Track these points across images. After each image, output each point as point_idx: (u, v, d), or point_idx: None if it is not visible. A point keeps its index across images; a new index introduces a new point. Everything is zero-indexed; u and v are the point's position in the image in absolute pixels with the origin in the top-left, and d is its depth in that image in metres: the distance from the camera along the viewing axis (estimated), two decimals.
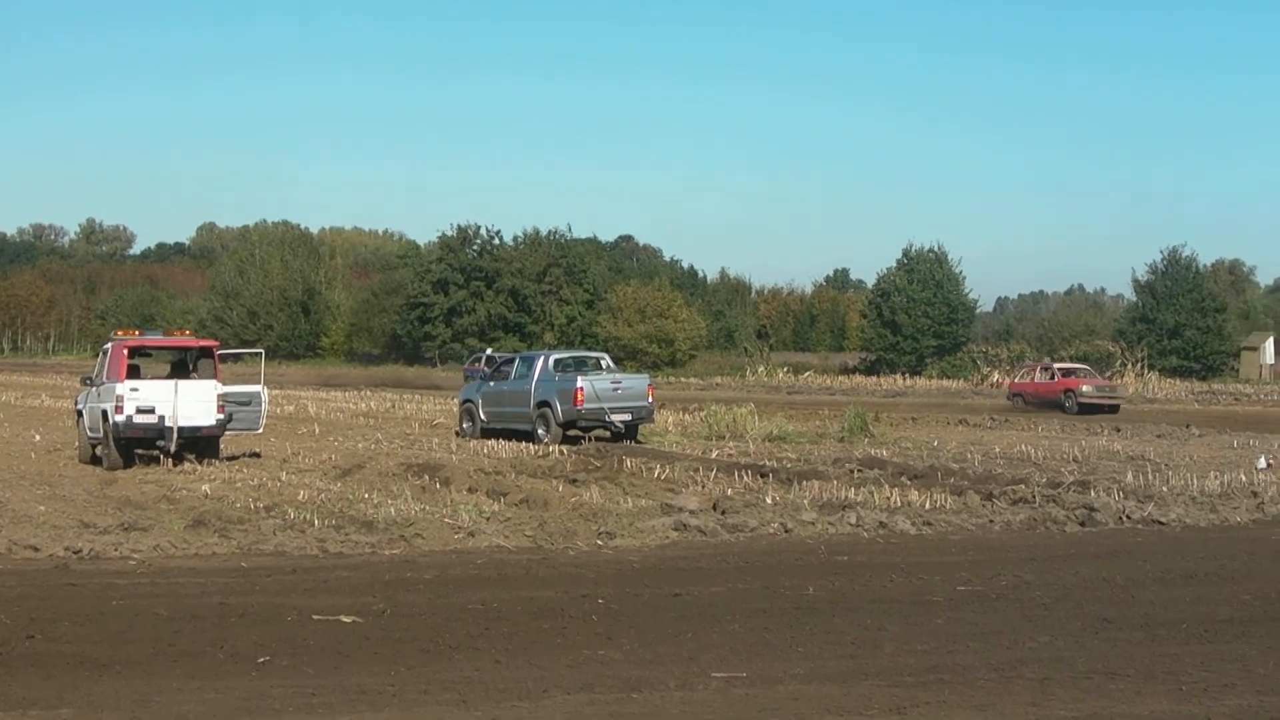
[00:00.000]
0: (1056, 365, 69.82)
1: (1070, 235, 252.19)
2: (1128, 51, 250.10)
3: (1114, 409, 60.68)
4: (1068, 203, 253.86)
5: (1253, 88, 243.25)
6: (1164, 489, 26.60)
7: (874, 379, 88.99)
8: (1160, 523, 23.55)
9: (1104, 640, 14.32)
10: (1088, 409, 59.26)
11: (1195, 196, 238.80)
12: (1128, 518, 23.78)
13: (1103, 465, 32.17)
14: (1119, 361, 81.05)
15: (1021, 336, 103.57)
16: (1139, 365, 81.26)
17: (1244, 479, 28.14)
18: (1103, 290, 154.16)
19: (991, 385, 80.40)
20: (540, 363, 40.59)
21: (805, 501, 24.72)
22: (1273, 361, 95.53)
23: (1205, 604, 16.54)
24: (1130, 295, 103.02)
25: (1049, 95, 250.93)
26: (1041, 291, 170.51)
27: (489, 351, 77.38)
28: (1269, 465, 31.35)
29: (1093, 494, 25.70)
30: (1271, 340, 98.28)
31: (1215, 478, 28.08)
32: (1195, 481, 27.44)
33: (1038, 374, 67.98)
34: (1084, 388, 63.05)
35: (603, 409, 38.35)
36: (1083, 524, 23.31)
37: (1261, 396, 75.23)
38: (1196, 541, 21.94)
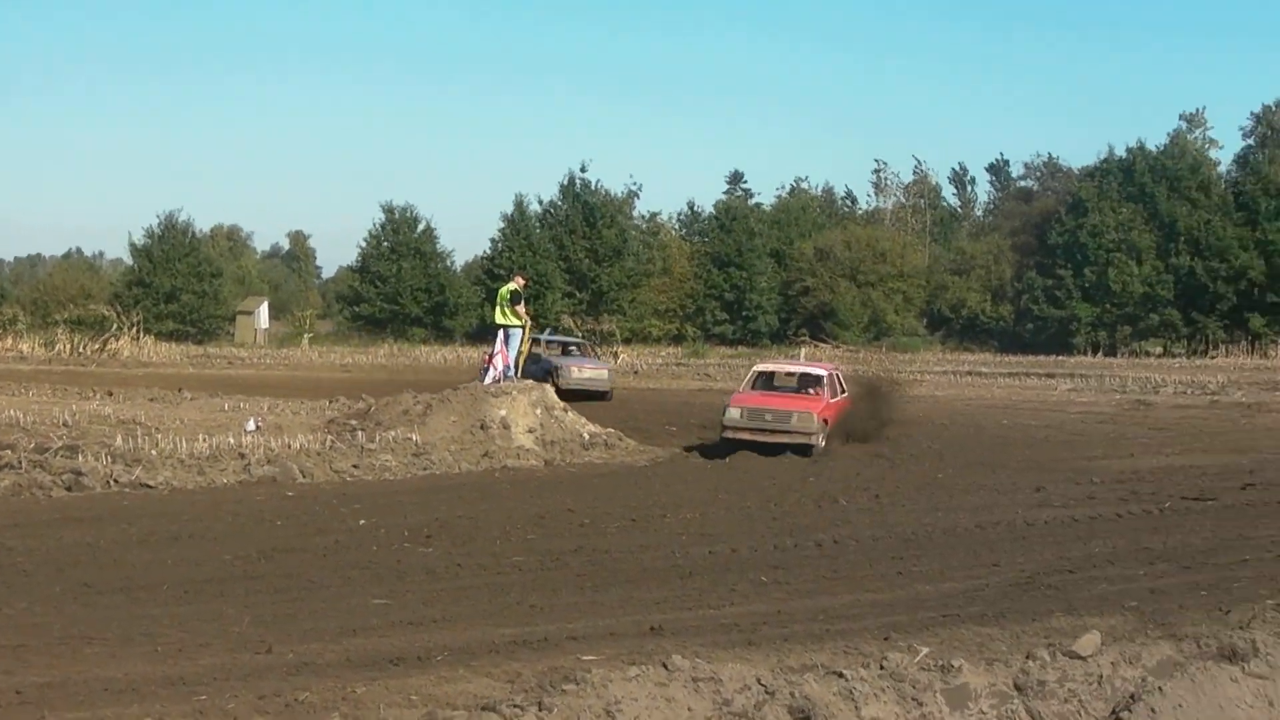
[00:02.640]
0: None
1: (68, 198, 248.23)
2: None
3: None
4: (61, 165, 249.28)
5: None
6: (154, 452, 26.54)
7: None
8: (149, 486, 23.56)
9: (83, 604, 14.16)
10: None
11: (196, 162, 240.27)
12: (116, 481, 23.64)
13: (93, 429, 31.73)
14: (115, 325, 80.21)
15: (16, 300, 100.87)
16: (135, 329, 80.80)
17: (233, 441, 28.49)
18: (101, 254, 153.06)
19: None
20: None
21: None
22: (267, 326, 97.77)
23: (188, 565, 16.65)
24: (129, 259, 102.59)
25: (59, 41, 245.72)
26: (39, 254, 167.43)
27: (548, 333, 58.73)
28: (257, 428, 31.90)
29: (81, 458, 25.30)
30: (266, 305, 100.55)
31: (205, 441, 28.29)
32: (185, 445, 27.54)
33: None
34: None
35: None
36: (69, 489, 22.97)
37: (255, 360, 76.61)
38: (183, 504, 22.07)
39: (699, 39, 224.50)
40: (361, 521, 20.12)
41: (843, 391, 33.53)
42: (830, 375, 33.87)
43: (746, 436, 30.90)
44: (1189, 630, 11.51)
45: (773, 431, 30.72)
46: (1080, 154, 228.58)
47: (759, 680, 9.69)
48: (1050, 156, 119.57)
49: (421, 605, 14.24)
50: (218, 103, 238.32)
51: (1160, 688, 9.52)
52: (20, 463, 24.62)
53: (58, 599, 14.41)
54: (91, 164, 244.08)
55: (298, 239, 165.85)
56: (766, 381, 34.48)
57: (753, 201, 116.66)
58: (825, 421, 31.13)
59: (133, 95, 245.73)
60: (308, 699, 10.13)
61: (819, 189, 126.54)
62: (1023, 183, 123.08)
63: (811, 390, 32.80)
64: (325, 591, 15.10)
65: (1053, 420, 40.31)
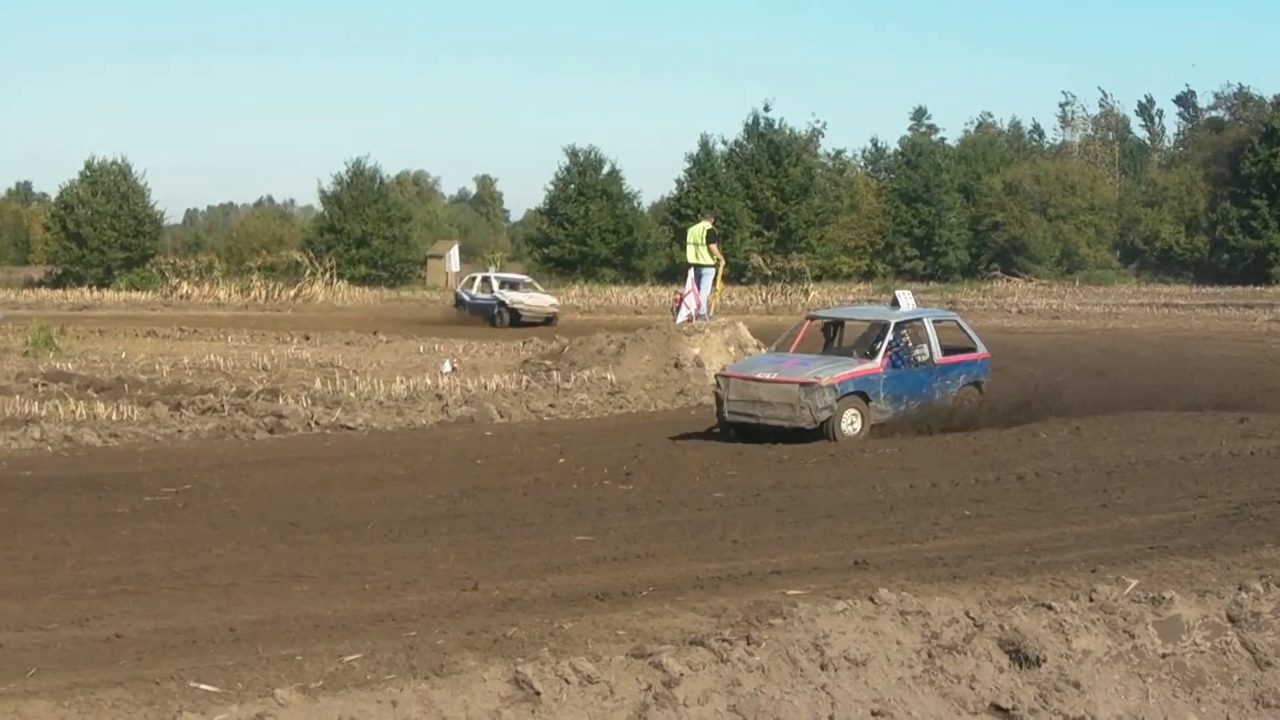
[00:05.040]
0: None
1: (259, 147, 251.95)
2: None
3: None
4: (251, 115, 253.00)
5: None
6: (352, 394, 26.93)
7: (60, 292, 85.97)
8: (349, 427, 23.87)
9: (290, 544, 14.37)
10: None
11: (382, 110, 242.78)
12: (316, 424, 23.98)
13: (292, 373, 32.29)
14: (308, 271, 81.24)
15: (211, 248, 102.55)
16: (328, 275, 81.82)
17: (430, 383, 28.84)
18: (292, 201, 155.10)
19: (181, 296, 78.93)
20: None
21: None
22: (457, 269, 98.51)
23: (390, 505, 16.87)
24: (319, 206, 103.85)
25: (221, 7, 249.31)
26: (231, 203, 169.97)
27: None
28: (453, 369, 32.25)
29: (281, 401, 25.74)
30: (456, 248, 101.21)
31: (402, 382, 28.65)
32: (383, 386, 27.92)
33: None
34: None
35: None
36: (271, 431, 23.36)
37: (446, 303, 77.23)
38: (383, 444, 22.37)
39: None
40: (560, 460, 20.23)
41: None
42: None
43: None
44: None
45: None
46: (1272, 83, 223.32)
47: (967, 613, 9.59)
48: (1241, 86, 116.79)
49: (624, 542, 14.26)
50: (400, 50, 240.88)
51: None
52: (223, 406, 25.13)
53: (265, 539, 14.65)
54: (281, 112, 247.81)
55: (485, 183, 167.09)
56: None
57: (937, 137, 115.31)
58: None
59: (320, 44, 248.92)
60: (515, 634, 10.16)
61: (1005, 124, 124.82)
62: (1213, 113, 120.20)
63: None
64: (528, 529, 15.19)
65: (1251, 352, 39.44)
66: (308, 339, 44.96)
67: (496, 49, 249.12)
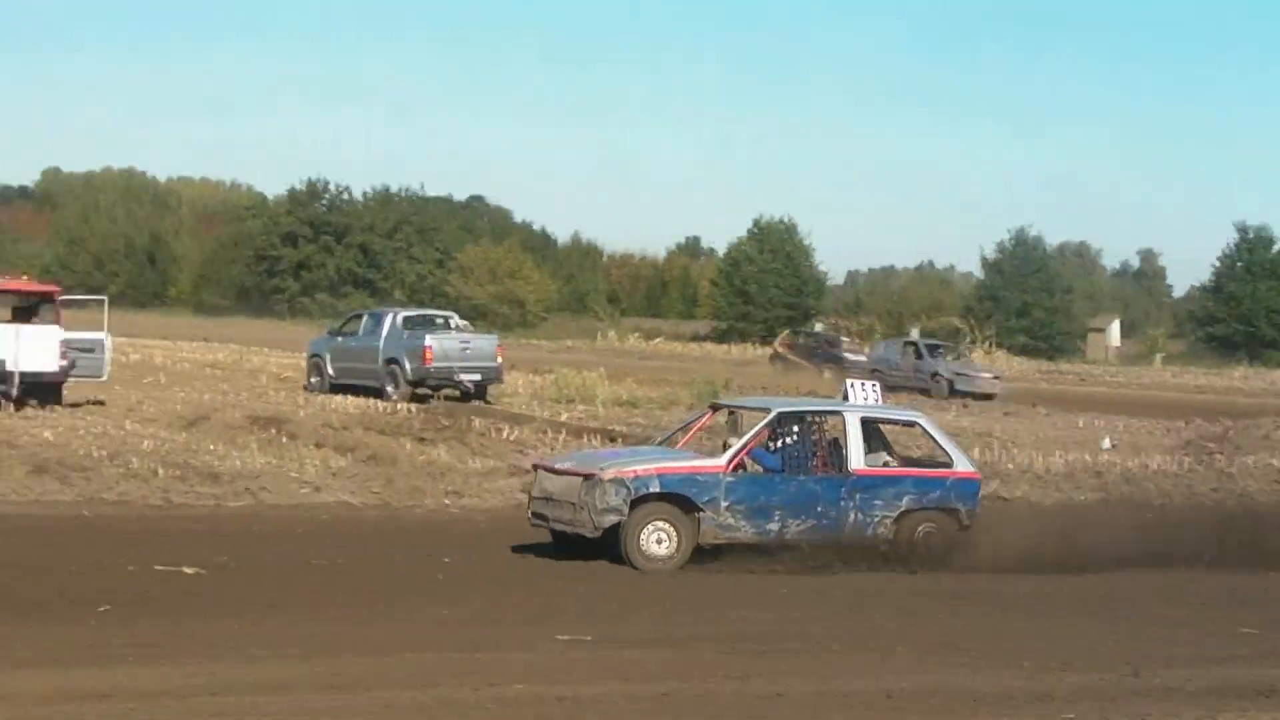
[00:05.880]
0: None
1: (921, 211, 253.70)
2: (967, 27, 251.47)
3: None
4: (918, 179, 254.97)
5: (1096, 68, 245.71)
6: (1010, 466, 26.81)
7: (724, 347, 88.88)
8: (1004, 499, 23.74)
9: (952, 613, 14.45)
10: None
11: (1043, 177, 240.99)
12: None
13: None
14: (967, 337, 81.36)
15: (871, 310, 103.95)
16: (987, 343, 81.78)
17: (1088, 459, 28.44)
18: (952, 267, 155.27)
19: None
20: (389, 319, 40.15)
21: None
22: (1118, 344, 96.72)
23: (1045, 580, 16.75)
24: (979, 273, 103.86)
25: (895, 70, 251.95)
26: (892, 266, 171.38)
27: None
28: (1113, 446, 31.67)
29: None
30: (1117, 322, 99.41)
31: (1060, 456, 28.35)
32: (1040, 460, 27.69)
33: None
34: None
35: (452, 368, 37.94)
36: None
37: (1107, 378, 75.91)
38: (1036, 519, 22.05)
39: None
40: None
41: None
42: None
43: None
44: None
45: None
46: None
47: None
48: None
49: None
50: (1058, 123, 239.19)
51: None
52: None
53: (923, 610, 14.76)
54: (940, 180, 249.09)
55: (1148, 257, 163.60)
56: None
57: None
58: None
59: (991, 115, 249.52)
60: None
61: None
62: None
63: None
64: (1177, 615, 14.86)
65: None
66: (966, 408, 44.84)
67: (1151, 118, 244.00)
